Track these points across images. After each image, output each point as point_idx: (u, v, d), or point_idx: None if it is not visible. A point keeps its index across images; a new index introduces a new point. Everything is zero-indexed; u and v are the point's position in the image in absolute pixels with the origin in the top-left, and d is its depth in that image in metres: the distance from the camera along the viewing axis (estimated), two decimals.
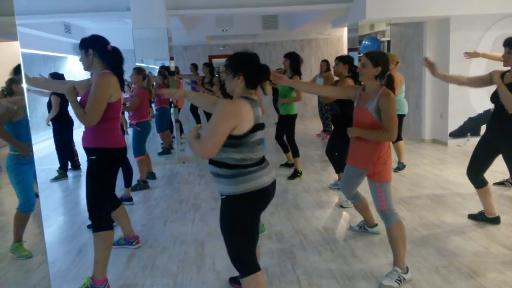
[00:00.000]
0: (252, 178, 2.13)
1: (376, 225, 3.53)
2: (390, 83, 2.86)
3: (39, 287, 2.81)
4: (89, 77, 3.02)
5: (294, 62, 5.13)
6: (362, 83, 3.01)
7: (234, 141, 2.09)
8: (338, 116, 4.54)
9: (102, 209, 2.89)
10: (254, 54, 2.22)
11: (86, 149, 2.89)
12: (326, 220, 3.97)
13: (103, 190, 2.90)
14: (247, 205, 2.15)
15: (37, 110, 9.25)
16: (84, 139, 2.89)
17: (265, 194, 2.19)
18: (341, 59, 4.49)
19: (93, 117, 2.72)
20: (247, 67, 2.16)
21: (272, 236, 3.61)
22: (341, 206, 4.27)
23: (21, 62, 2.40)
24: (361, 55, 7.10)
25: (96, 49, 2.80)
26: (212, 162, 2.17)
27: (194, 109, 9.57)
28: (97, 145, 2.83)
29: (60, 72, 8.48)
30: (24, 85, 2.35)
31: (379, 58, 2.83)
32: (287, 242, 3.49)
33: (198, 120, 9.81)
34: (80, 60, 2.86)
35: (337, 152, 4.63)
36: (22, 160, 2.89)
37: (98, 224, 2.85)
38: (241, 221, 2.16)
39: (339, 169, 4.67)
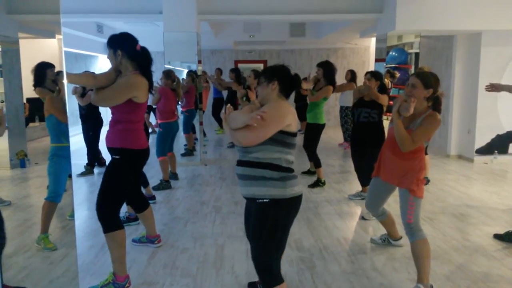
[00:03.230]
0: (296, 183, 2.23)
1: (401, 237, 3.49)
2: (437, 105, 2.83)
3: (63, 279, 2.88)
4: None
5: (327, 71, 5.16)
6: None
7: (288, 140, 2.19)
8: (373, 124, 4.47)
9: (113, 209, 2.83)
10: (286, 66, 2.36)
11: (111, 149, 2.85)
12: (347, 231, 3.95)
13: (119, 191, 2.86)
14: (290, 210, 2.21)
15: (67, 106, 9.51)
16: (108, 139, 2.86)
17: (301, 201, 2.28)
18: (373, 75, 4.51)
19: (101, 99, 2.70)
20: (282, 74, 2.30)
21: (292, 244, 3.61)
22: (363, 218, 4.23)
23: (63, 59, 2.48)
24: (387, 66, 7.09)
25: (125, 50, 2.75)
26: (256, 164, 2.16)
27: (216, 113, 9.68)
28: (122, 146, 2.80)
29: (91, 70, 8.70)
30: (65, 81, 2.43)
31: (431, 80, 2.78)
32: (306, 250, 3.49)
33: (221, 125, 9.90)
34: (108, 58, 2.81)
35: (367, 164, 4.51)
36: (59, 152, 3.00)
37: (108, 225, 2.80)
38: (283, 226, 2.21)
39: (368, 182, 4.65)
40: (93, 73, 5.41)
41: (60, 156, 2.98)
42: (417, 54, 7.40)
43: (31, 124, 3.26)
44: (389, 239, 3.54)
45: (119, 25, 9.86)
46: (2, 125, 2.23)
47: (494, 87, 3.72)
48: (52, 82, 2.74)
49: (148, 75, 2.86)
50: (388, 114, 4.28)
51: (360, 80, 5.52)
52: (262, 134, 2.10)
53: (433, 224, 4.09)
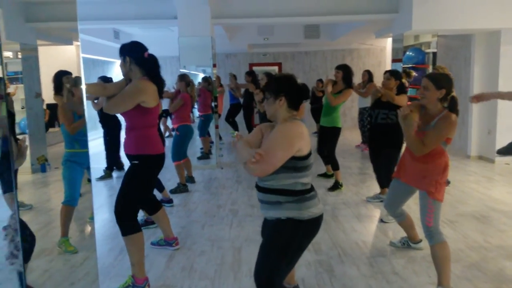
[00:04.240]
0: (314, 204, 2.13)
1: (421, 241, 3.43)
2: (454, 106, 2.75)
3: (84, 282, 2.92)
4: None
5: (346, 74, 5.15)
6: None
7: (301, 164, 2.07)
8: (391, 125, 4.32)
9: (131, 213, 2.89)
10: (291, 75, 2.21)
11: (128, 156, 2.92)
12: (366, 234, 3.90)
13: (137, 195, 2.93)
14: (307, 231, 2.13)
15: (85, 111, 9.67)
16: (125, 146, 2.92)
17: (320, 222, 2.18)
18: (392, 74, 4.39)
19: (111, 106, 2.77)
20: (288, 87, 2.14)
21: (310, 247, 3.52)
22: (382, 221, 4.17)
23: (81, 65, 2.54)
24: (404, 66, 7.00)
25: (133, 57, 2.81)
26: (270, 191, 2.10)
27: (229, 118, 9.68)
28: (138, 152, 2.86)
29: (108, 75, 8.83)
30: (84, 86, 2.48)
31: (443, 80, 2.73)
32: (324, 254, 3.46)
33: (235, 128, 9.91)
34: (120, 66, 2.89)
35: (387, 164, 4.44)
36: (72, 158, 3.07)
37: (127, 228, 2.85)
38: (296, 248, 2.12)
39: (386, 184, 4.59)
40: (110, 78, 5.48)
41: (73, 161, 3.03)
42: (434, 54, 7.28)
43: (50, 130, 3.32)
44: (408, 242, 3.49)
45: (135, 31, 10.02)
46: (23, 157, 2.28)
47: (480, 98, 3.27)
48: (68, 90, 2.80)
49: (156, 80, 2.89)
50: None
51: (378, 80, 5.46)
52: (271, 166, 2.01)
53: (454, 226, 4.01)
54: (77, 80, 2.64)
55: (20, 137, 2.70)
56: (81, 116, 2.91)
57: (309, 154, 2.11)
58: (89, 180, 3.38)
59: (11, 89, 2.89)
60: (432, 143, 2.69)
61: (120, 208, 2.87)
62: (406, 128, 2.76)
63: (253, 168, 2.01)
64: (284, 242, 2.09)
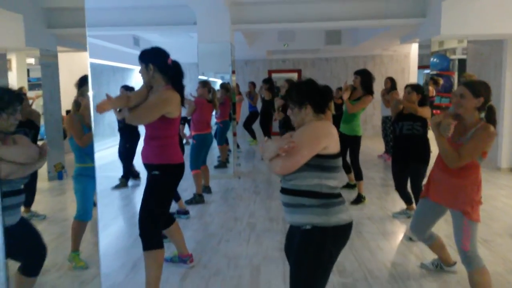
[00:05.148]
0: (342, 210, 1.99)
1: (455, 263, 3.15)
2: (491, 116, 2.54)
3: None
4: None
5: (365, 79, 4.89)
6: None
7: (327, 163, 1.95)
8: (418, 137, 4.10)
9: (155, 226, 2.80)
10: (310, 79, 2.13)
11: (148, 165, 2.82)
12: (393, 254, 3.63)
13: (161, 206, 2.83)
14: (336, 240, 1.97)
15: (104, 118, 9.66)
16: (144, 155, 2.82)
17: (350, 230, 2.02)
18: (414, 88, 4.17)
19: (135, 117, 2.63)
20: (311, 94, 2.07)
21: (333, 267, 3.34)
22: (410, 239, 3.88)
23: (89, 72, 2.42)
24: (430, 73, 6.69)
25: (156, 64, 2.71)
26: (294, 192, 1.98)
27: (247, 125, 9.55)
28: (160, 161, 2.76)
29: (127, 83, 8.82)
30: (91, 92, 2.38)
31: (481, 88, 2.53)
32: (349, 276, 3.21)
33: (253, 136, 9.77)
34: (140, 72, 2.77)
35: (415, 180, 4.18)
36: (83, 172, 2.97)
37: (150, 242, 2.76)
38: (328, 259, 1.97)
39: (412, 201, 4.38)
40: (132, 88, 5.37)
41: (85, 175, 2.93)
42: (460, 60, 6.95)
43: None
44: (441, 265, 3.21)
45: (155, 38, 9.99)
46: (44, 159, 2.21)
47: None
48: (75, 102, 2.69)
49: (179, 89, 2.81)
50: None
51: (401, 88, 5.17)
52: (295, 162, 1.91)
53: (490, 247, 3.70)
54: (84, 90, 2.52)
55: (39, 142, 2.64)
56: (90, 128, 2.78)
57: (338, 155, 1.99)
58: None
59: (29, 94, 2.84)
60: (469, 156, 2.48)
61: (144, 222, 2.77)
62: (440, 136, 2.55)
63: (276, 164, 1.94)
64: (313, 256, 1.95)
